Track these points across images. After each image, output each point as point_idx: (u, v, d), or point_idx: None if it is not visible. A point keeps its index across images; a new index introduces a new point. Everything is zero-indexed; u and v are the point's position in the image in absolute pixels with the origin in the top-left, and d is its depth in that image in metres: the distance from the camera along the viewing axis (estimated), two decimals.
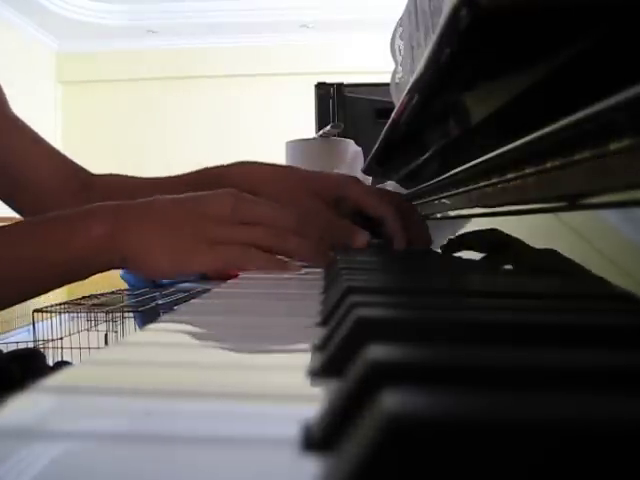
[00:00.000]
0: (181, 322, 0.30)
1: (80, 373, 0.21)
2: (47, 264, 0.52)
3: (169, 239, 0.51)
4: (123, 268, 0.55)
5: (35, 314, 2.81)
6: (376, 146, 0.78)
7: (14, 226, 0.53)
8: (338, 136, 1.39)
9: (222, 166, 0.73)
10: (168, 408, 0.17)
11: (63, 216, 0.54)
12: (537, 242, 0.43)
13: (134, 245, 0.51)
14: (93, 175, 0.78)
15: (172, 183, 0.73)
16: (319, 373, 0.19)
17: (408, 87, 0.51)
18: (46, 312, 2.81)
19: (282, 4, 4.62)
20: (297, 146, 1.39)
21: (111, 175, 0.78)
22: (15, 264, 0.52)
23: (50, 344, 2.62)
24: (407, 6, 0.66)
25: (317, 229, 0.60)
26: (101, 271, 0.54)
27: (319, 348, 0.22)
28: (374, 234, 0.68)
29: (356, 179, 0.72)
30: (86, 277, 0.55)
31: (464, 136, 0.53)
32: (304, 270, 0.53)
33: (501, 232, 0.48)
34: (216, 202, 0.53)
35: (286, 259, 0.54)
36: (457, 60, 0.37)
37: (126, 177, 0.77)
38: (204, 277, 3.60)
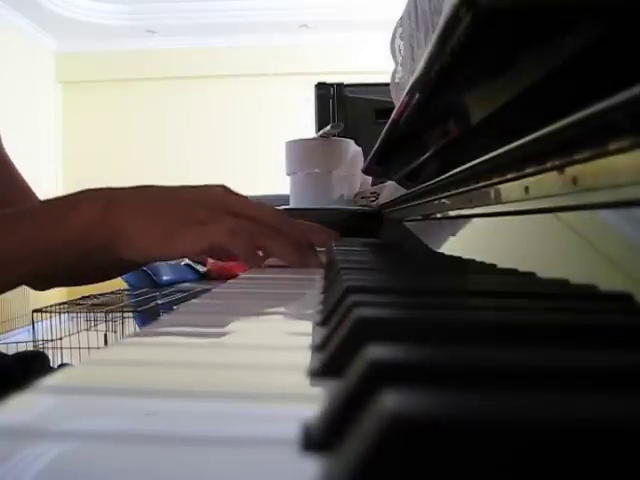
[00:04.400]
0: (181, 322, 0.30)
1: (80, 373, 0.21)
2: (40, 246, 0.53)
3: (158, 221, 0.54)
4: (112, 250, 0.55)
5: (35, 314, 2.80)
6: (376, 146, 0.78)
7: (5, 214, 0.54)
8: (338, 136, 1.39)
9: None
10: (168, 408, 0.17)
11: (55, 200, 0.56)
12: (537, 242, 0.43)
13: (124, 226, 0.53)
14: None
15: None
16: (319, 373, 0.19)
17: (408, 87, 0.51)
18: (46, 312, 2.81)
19: (282, 4, 4.61)
20: (297, 146, 1.39)
21: None
22: (8, 247, 0.53)
23: (50, 344, 2.63)
24: (407, 6, 0.66)
25: (297, 231, 0.59)
26: (91, 253, 0.55)
27: (319, 348, 0.22)
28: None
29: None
30: (77, 259, 0.56)
31: (464, 136, 0.53)
32: (301, 269, 0.53)
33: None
34: (207, 191, 0.57)
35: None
36: (457, 60, 0.37)
37: None
38: (204, 277, 3.60)
